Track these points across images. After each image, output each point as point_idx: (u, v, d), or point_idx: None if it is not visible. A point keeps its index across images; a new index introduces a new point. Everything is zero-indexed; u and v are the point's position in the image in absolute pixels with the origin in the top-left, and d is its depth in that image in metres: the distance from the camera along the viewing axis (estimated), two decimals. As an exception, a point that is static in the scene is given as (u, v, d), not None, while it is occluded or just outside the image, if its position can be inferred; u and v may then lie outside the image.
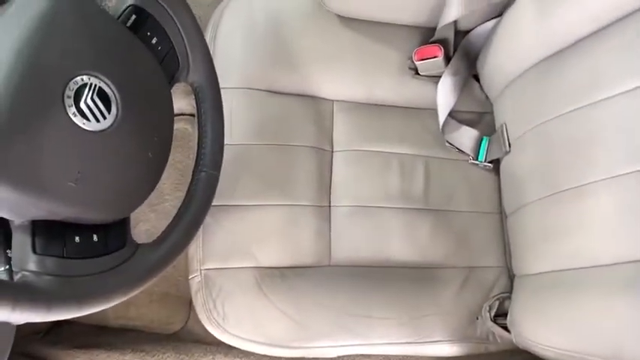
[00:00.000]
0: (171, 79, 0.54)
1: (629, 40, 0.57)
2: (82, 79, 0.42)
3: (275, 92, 0.83)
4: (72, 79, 0.41)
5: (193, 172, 0.57)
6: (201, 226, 0.75)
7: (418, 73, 0.85)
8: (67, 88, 0.41)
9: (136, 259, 0.46)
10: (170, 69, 0.54)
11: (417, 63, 0.83)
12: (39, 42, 0.40)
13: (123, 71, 0.46)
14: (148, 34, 0.51)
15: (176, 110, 0.91)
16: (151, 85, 0.50)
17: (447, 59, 0.83)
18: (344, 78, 0.85)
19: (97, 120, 0.43)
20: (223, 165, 0.77)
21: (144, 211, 0.90)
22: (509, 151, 0.76)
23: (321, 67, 0.84)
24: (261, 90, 0.82)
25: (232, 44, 0.82)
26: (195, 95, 0.58)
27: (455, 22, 0.80)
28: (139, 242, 0.49)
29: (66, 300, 0.40)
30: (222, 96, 0.80)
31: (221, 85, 0.80)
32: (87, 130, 0.42)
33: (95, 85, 0.43)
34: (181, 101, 0.93)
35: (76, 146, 0.41)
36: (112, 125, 0.44)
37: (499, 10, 0.78)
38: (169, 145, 0.52)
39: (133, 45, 0.48)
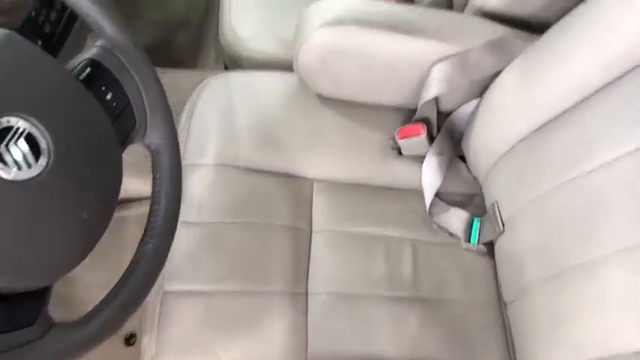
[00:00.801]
0: (125, 139, 0.50)
1: (617, 106, 0.54)
2: (9, 121, 0.37)
3: (252, 170, 0.78)
4: None
5: (140, 242, 0.50)
6: (157, 314, 0.66)
7: (401, 153, 0.82)
8: None
9: (46, 342, 0.37)
10: (125, 128, 0.50)
11: (400, 142, 0.80)
12: None
13: (63, 122, 0.41)
14: (103, 89, 0.47)
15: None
16: (97, 141, 0.45)
17: (431, 139, 0.81)
18: (325, 157, 0.81)
19: (19, 168, 0.37)
20: (187, 245, 0.70)
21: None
22: (503, 231, 0.69)
23: (301, 145, 0.80)
24: (236, 167, 0.77)
25: (209, 121, 0.80)
26: (151, 158, 0.52)
27: (437, 103, 0.79)
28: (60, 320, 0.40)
29: None
30: (195, 172, 0.76)
31: (195, 162, 0.77)
32: (3, 178, 0.36)
33: (24, 130, 0.38)
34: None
35: None
36: (38, 176, 0.38)
37: (480, 90, 0.77)
38: (112, 208, 0.46)
39: (81, 98, 0.44)
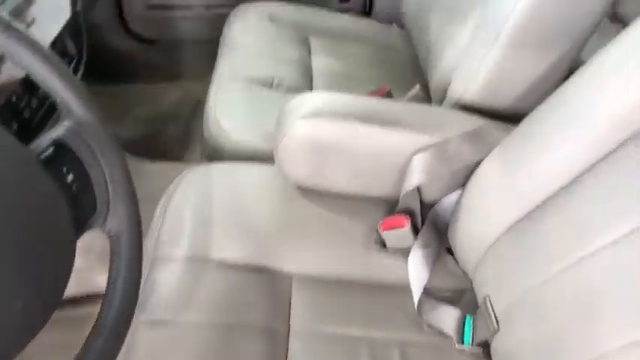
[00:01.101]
0: (83, 225, 0.46)
1: (605, 186, 0.52)
2: None
3: (226, 265, 0.73)
4: None
5: (87, 338, 0.44)
6: None
7: (385, 247, 0.78)
8: None
9: None
10: (84, 213, 0.46)
11: (384, 234, 0.77)
12: None
13: (12, 203, 0.38)
14: (64, 170, 0.45)
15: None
16: (47, 226, 0.41)
17: (416, 231, 0.78)
18: (305, 251, 0.77)
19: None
20: (151, 347, 0.63)
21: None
22: (498, 329, 0.63)
23: (279, 239, 0.77)
24: (209, 261, 0.73)
25: (185, 212, 0.77)
26: (110, 245, 0.48)
27: (420, 193, 0.78)
28: None
29: None
30: (165, 265, 0.71)
31: (166, 254, 0.72)
32: None
33: None
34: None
35: None
36: None
37: (462, 180, 0.76)
38: (56, 300, 0.41)
39: (35, 176, 0.41)
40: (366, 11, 1.45)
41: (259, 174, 0.83)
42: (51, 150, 0.44)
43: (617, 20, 1.05)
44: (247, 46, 1.13)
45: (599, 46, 0.61)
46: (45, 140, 0.45)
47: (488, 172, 0.71)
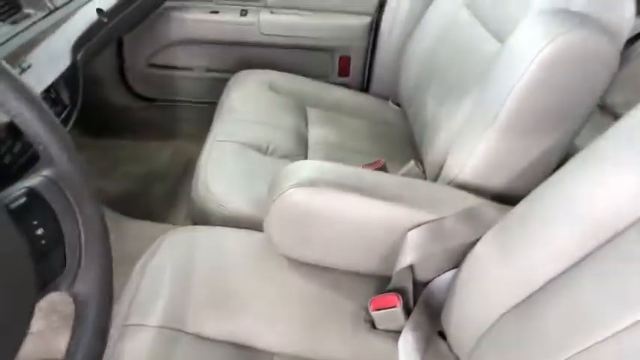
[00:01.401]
0: (47, 285, 0.42)
1: (606, 273, 0.50)
2: None
3: (203, 338, 0.68)
4: None
5: None
6: None
7: (375, 327, 0.73)
8: None
9: None
10: (49, 272, 0.42)
11: (373, 313, 0.72)
12: None
13: None
14: (35, 222, 0.41)
15: None
16: (4, 279, 0.37)
17: (407, 311, 0.73)
18: (289, 328, 0.72)
19: None
20: None
21: None
22: None
23: (262, 313, 0.72)
24: (183, 333, 0.67)
25: (163, 276, 0.72)
26: (74, 310, 0.44)
27: (413, 272, 0.74)
28: None
29: None
30: (136, 334, 0.65)
31: (138, 322, 0.67)
32: None
33: None
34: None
35: None
36: None
37: (456, 260, 0.73)
38: None
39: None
40: (364, 87, 1.49)
41: (245, 241, 0.79)
42: (23, 200, 0.41)
43: (606, 111, 1.08)
44: (245, 110, 1.13)
45: (591, 136, 0.61)
46: (17, 189, 0.42)
47: (485, 253, 0.68)
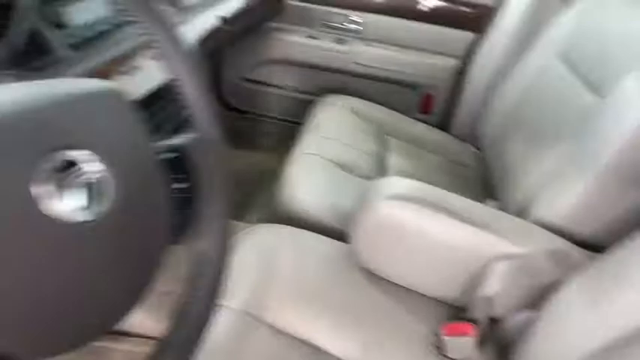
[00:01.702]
0: (175, 237, 0.46)
1: None
2: (87, 160, 0.35)
3: (275, 329, 0.70)
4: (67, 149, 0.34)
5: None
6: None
7: (441, 353, 0.73)
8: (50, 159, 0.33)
9: None
10: (179, 225, 0.46)
11: (447, 339, 0.72)
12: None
13: (132, 179, 0.39)
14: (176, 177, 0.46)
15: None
16: (147, 220, 0.42)
17: (480, 342, 0.72)
18: (356, 336, 0.72)
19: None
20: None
21: None
22: None
23: (334, 319, 0.73)
24: (263, 322, 0.69)
25: (248, 265, 0.76)
26: (196, 266, 0.47)
27: (491, 304, 0.73)
28: None
29: None
30: (219, 314, 0.68)
31: (221, 302, 0.70)
32: (55, 220, 0.32)
33: (96, 172, 0.36)
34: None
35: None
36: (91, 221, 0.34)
37: (535, 298, 0.71)
38: (134, 300, 0.39)
39: (153, 175, 0.42)
40: (442, 127, 1.52)
41: (328, 247, 0.82)
42: (171, 155, 0.46)
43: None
44: (331, 130, 1.18)
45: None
46: (169, 143, 0.47)
47: (571, 298, 0.66)
